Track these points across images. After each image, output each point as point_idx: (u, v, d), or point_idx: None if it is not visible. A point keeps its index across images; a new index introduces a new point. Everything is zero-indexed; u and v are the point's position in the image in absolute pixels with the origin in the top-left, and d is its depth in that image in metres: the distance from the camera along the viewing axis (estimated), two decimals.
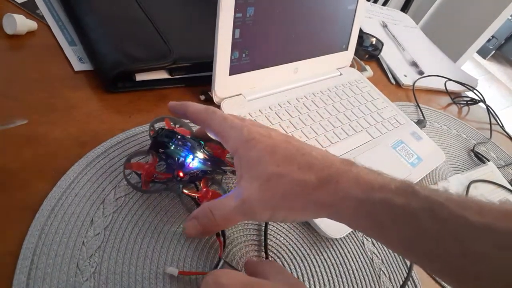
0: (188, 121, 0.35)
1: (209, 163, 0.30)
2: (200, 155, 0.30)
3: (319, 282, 0.33)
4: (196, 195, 0.30)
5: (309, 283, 0.33)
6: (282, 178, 0.24)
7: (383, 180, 0.23)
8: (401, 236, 0.22)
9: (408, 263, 0.38)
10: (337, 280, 0.34)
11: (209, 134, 0.29)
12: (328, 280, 0.34)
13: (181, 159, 0.29)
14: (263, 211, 0.24)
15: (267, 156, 0.24)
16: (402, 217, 0.22)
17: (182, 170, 0.29)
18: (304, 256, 0.34)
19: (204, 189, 0.30)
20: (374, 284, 0.35)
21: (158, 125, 0.34)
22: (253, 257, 0.32)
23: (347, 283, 0.34)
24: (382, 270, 0.37)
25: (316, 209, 0.24)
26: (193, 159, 0.29)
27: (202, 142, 0.31)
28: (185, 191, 0.30)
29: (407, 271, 0.37)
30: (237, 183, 0.26)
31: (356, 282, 0.35)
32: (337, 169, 0.24)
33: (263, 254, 0.32)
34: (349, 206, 0.23)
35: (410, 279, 0.37)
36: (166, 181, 0.30)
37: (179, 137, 0.30)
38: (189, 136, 0.31)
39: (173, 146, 0.29)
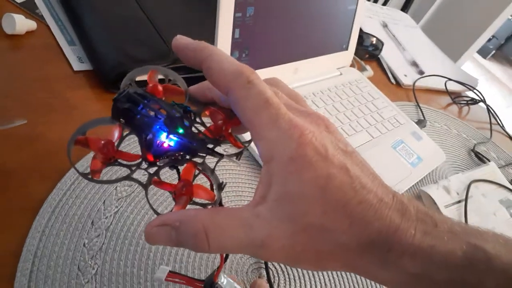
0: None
1: (194, 144, 0.20)
2: (180, 130, 0.19)
3: (319, 282, 0.33)
4: (168, 188, 0.20)
5: (310, 283, 0.32)
6: (324, 234, 0.17)
7: (445, 246, 0.17)
8: None
9: None
10: (338, 279, 0.34)
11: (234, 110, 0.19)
12: (329, 280, 0.34)
13: (149, 136, 0.19)
14: (281, 260, 0.18)
15: (315, 195, 0.16)
16: None
17: (150, 151, 0.20)
18: None
19: (182, 182, 0.20)
20: (375, 283, 0.35)
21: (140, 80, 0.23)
22: (252, 264, 0.32)
23: (348, 283, 0.34)
24: None
25: (351, 270, 0.19)
26: (168, 137, 0.19)
27: (189, 108, 0.20)
28: (156, 178, 0.20)
29: None
30: (255, 202, 0.17)
31: (358, 281, 0.35)
32: (394, 227, 0.17)
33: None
34: (398, 282, 0.18)
35: None
36: (131, 165, 0.20)
37: (149, 102, 0.20)
38: (167, 102, 0.20)
39: (138, 116, 0.19)
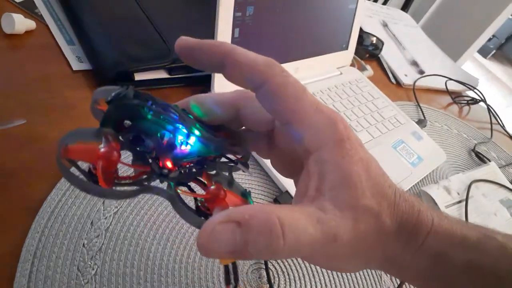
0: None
1: (213, 144, 0.17)
2: (197, 131, 0.17)
3: (320, 282, 0.33)
4: (200, 196, 0.18)
5: (311, 283, 0.32)
6: (374, 218, 0.16)
7: (461, 231, 0.17)
8: None
9: None
10: (339, 279, 0.34)
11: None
12: (330, 280, 0.33)
13: (168, 135, 0.16)
14: (343, 259, 0.17)
15: (365, 175, 0.16)
16: (487, 284, 0.17)
17: (170, 156, 0.16)
18: None
19: (213, 186, 0.18)
20: (375, 284, 0.35)
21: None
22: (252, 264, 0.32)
23: (348, 283, 0.34)
24: None
25: (376, 264, 0.18)
26: (188, 137, 0.16)
27: (190, 116, 0.18)
28: (181, 188, 0.18)
29: None
30: (310, 197, 0.16)
31: (358, 281, 0.35)
32: (417, 209, 0.17)
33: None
34: (418, 267, 0.17)
35: None
36: (140, 180, 0.16)
37: (156, 101, 0.16)
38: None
39: (152, 112, 0.15)
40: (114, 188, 0.15)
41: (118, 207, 0.30)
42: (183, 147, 0.16)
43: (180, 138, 0.16)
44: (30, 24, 0.40)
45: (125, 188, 0.16)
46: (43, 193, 0.28)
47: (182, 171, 0.17)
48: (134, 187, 0.16)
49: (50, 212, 0.28)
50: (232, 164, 0.18)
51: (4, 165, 0.29)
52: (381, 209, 0.16)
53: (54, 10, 0.45)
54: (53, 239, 0.26)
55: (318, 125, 0.16)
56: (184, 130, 0.16)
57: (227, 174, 0.19)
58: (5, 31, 0.39)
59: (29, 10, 0.43)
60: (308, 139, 0.17)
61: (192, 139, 0.16)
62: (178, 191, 0.17)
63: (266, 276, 0.31)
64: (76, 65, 0.40)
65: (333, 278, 0.34)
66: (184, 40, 0.17)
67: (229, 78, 0.17)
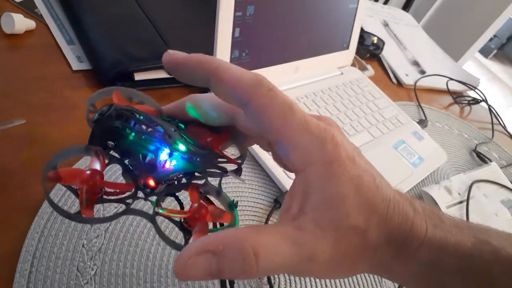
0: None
1: (198, 160, 0.17)
2: (181, 146, 0.17)
3: (320, 282, 0.33)
4: (181, 215, 0.18)
5: (311, 283, 0.32)
6: (360, 235, 0.16)
7: (455, 238, 0.18)
8: None
9: None
10: (339, 280, 0.34)
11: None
12: (330, 280, 0.33)
13: (150, 155, 0.17)
14: (323, 273, 0.17)
15: (352, 195, 0.16)
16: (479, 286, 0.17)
17: (152, 175, 0.17)
18: None
19: (195, 205, 0.18)
20: (376, 284, 0.35)
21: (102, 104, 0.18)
22: None
23: (349, 283, 0.34)
24: None
25: (373, 271, 0.18)
26: (170, 155, 0.17)
27: (181, 124, 0.18)
28: (160, 211, 0.17)
29: None
30: (292, 215, 0.16)
31: (358, 281, 0.34)
32: (411, 220, 0.17)
33: None
34: (411, 273, 0.18)
35: None
36: (125, 198, 0.17)
37: (141, 117, 0.17)
38: (156, 117, 0.18)
39: (133, 134, 0.16)
40: (94, 216, 0.16)
41: (118, 208, 0.30)
42: (166, 164, 0.17)
43: (163, 155, 0.17)
44: (30, 24, 0.40)
45: (105, 215, 0.17)
46: (43, 193, 0.28)
47: (170, 183, 0.17)
48: (113, 213, 0.17)
49: (49, 213, 0.27)
50: (221, 173, 0.18)
51: (4, 165, 0.29)
52: (368, 226, 0.16)
53: (54, 10, 0.45)
54: (52, 239, 0.26)
55: (305, 146, 0.16)
56: (167, 150, 0.17)
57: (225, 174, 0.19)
58: (5, 31, 0.39)
59: (29, 9, 0.43)
60: (295, 159, 0.17)
61: (176, 157, 0.17)
62: (161, 210, 0.17)
63: (266, 276, 0.31)
64: (76, 65, 0.40)
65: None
66: (171, 55, 0.17)
67: (216, 95, 0.17)
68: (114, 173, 0.31)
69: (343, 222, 0.16)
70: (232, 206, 0.19)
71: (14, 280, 0.24)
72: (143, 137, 0.16)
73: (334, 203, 0.16)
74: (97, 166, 0.16)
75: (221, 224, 0.18)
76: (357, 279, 0.35)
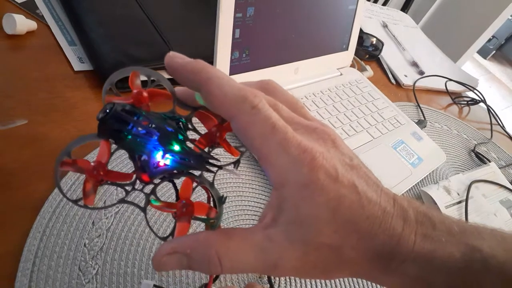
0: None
1: (191, 161, 0.19)
2: (177, 147, 0.18)
3: (320, 282, 0.33)
4: (170, 210, 0.20)
5: (311, 283, 0.32)
6: (333, 251, 0.17)
7: (444, 249, 0.18)
8: None
9: None
10: (339, 280, 0.34)
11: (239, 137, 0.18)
12: (330, 280, 0.34)
13: (144, 157, 0.18)
14: (291, 275, 0.18)
15: (327, 217, 0.16)
16: None
17: (145, 172, 0.19)
18: None
19: (183, 201, 0.20)
20: (375, 284, 0.35)
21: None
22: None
23: (349, 283, 0.34)
24: None
25: (356, 276, 0.19)
26: (163, 157, 0.18)
27: (183, 121, 0.19)
28: (153, 202, 0.19)
29: None
30: (265, 224, 0.17)
31: (359, 281, 0.35)
32: (397, 236, 0.17)
33: None
34: (399, 285, 0.18)
35: None
36: (124, 185, 0.19)
37: (140, 119, 0.18)
38: (158, 114, 0.19)
39: (130, 136, 0.18)
40: (94, 205, 0.19)
41: (119, 207, 0.30)
42: (161, 164, 0.19)
43: (157, 157, 0.18)
44: (32, 24, 0.41)
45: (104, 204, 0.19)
46: (45, 193, 0.29)
47: (166, 176, 0.19)
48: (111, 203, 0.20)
49: (51, 212, 0.28)
50: (216, 168, 0.20)
51: (6, 165, 0.29)
52: (344, 243, 0.17)
53: (55, 11, 0.45)
54: (54, 238, 0.26)
55: (281, 166, 0.16)
56: (161, 152, 0.18)
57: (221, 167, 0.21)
58: (6, 32, 0.39)
59: (30, 10, 0.43)
60: (271, 177, 0.17)
61: (169, 157, 0.19)
62: (153, 201, 0.19)
63: (266, 276, 0.31)
64: (77, 66, 0.40)
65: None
66: (171, 58, 0.18)
67: (206, 104, 0.18)
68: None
69: (314, 239, 0.17)
70: (220, 201, 0.20)
71: (16, 279, 0.24)
72: (138, 140, 0.18)
73: (305, 223, 0.17)
74: (104, 154, 0.19)
75: (207, 216, 0.20)
76: (357, 279, 0.35)
